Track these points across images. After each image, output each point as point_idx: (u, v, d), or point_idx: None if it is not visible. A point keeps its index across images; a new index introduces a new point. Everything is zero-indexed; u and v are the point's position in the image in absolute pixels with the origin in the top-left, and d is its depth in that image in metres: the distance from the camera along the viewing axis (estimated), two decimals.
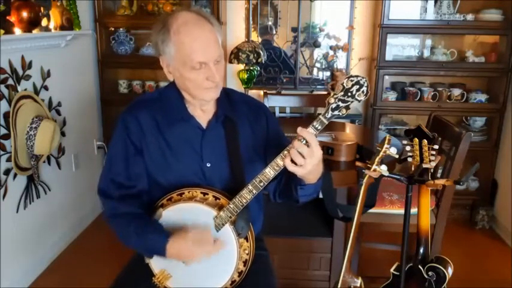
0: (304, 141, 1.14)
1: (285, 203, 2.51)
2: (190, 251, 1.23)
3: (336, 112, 1.15)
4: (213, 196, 1.31)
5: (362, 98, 1.14)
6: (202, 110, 1.36)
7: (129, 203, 1.33)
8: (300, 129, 1.15)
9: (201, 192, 1.31)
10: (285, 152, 1.18)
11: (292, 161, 1.15)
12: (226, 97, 1.40)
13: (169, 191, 1.33)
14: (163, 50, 1.27)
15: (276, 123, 1.48)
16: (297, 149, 1.14)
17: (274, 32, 3.47)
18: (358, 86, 1.14)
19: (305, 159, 1.14)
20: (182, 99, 1.35)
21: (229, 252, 1.29)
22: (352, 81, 1.14)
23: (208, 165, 1.36)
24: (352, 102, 1.15)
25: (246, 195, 1.24)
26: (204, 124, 1.37)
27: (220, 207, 1.28)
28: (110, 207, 1.36)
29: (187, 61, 1.23)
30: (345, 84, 1.14)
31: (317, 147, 1.14)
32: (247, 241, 1.31)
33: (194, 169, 1.35)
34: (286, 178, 1.33)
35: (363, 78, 1.14)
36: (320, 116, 1.16)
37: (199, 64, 1.23)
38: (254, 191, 1.23)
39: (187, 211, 1.28)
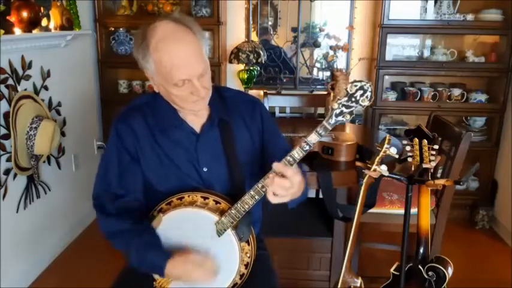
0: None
1: (284, 203, 2.51)
2: (189, 273, 1.22)
3: (340, 118, 1.15)
4: (214, 200, 1.29)
5: (366, 103, 1.13)
6: (194, 114, 1.33)
7: (126, 219, 1.31)
8: (275, 165, 1.14)
9: (202, 197, 1.29)
10: (288, 158, 1.17)
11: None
12: (220, 97, 1.37)
13: (167, 196, 1.31)
14: (144, 65, 1.23)
15: (270, 120, 1.45)
16: (279, 186, 1.14)
17: (273, 32, 3.47)
18: (362, 91, 1.13)
19: (286, 191, 1.15)
20: (172, 106, 1.32)
21: (231, 257, 1.29)
22: (355, 86, 1.13)
23: (205, 169, 1.34)
24: (355, 107, 1.14)
25: (248, 200, 1.22)
26: (197, 128, 1.34)
27: (221, 212, 1.27)
28: (106, 225, 1.34)
29: (169, 78, 1.19)
30: (348, 90, 1.14)
31: (294, 176, 1.14)
32: (248, 244, 1.31)
33: (191, 174, 1.33)
34: None
35: (366, 83, 1.13)
36: (324, 122, 1.15)
37: (182, 81, 1.19)
38: (256, 197, 1.22)
39: (188, 217, 1.27)
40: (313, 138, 1.16)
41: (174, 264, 1.23)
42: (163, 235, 1.29)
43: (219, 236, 1.27)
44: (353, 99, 1.13)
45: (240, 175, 1.34)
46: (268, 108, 2.71)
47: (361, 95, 1.13)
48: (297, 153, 1.17)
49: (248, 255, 1.31)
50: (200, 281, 1.23)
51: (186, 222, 1.28)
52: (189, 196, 1.30)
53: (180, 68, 1.18)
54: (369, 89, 1.13)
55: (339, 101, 1.14)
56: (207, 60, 1.24)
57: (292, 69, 3.48)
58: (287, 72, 3.50)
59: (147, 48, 1.19)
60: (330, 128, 1.16)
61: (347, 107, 1.14)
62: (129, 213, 1.32)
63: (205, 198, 1.30)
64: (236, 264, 1.29)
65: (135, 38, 1.25)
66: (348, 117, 1.15)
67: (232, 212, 1.24)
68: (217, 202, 1.29)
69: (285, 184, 1.13)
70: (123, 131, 1.32)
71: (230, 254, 1.29)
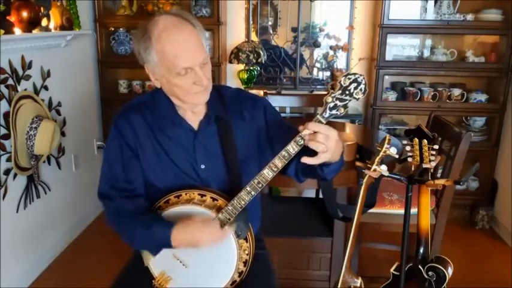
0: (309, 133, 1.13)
1: (284, 203, 2.51)
2: (197, 233, 1.21)
3: (334, 111, 1.14)
4: (211, 197, 1.30)
5: (360, 96, 1.12)
6: (192, 112, 1.34)
7: (130, 202, 1.33)
8: (308, 124, 1.13)
9: (199, 194, 1.30)
10: (283, 152, 1.16)
11: (309, 154, 1.13)
12: (218, 96, 1.38)
13: (166, 194, 1.32)
14: (146, 58, 1.24)
15: (275, 113, 1.45)
16: (313, 140, 1.12)
17: (273, 32, 3.47)
18: (356, 84, 1.12)
19: (323, 144, 1.11)
20: (171, 103, 1.33)
21: (229, 253, 1.29)
22: (349, 79, 1.12)
23: (203, 166, 1.35)
24: (350, 100, 1.13)
25: (245, 196, 1.23)
26: (195, 126, 1.35)
27: (218, 209, 1.27)
28: (112, 207, 1.35)
29: (172, 68, 1.21)
30: (342, 83, 1.12)
31: (329, 130, 1.12)
32: (246, 241, 1.31)
33: (188, 171, 1.34)
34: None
35: (360, 75, 1.12)
36: (318, 116, 1.14)
37: (185, 70, 1.21)
38: (253, 193, 1.22)
39: (185, 214, 1.27)
40: (307, 132, 1.14)
41: (179, 231, 1.22)
42: None
43: None
44: (347, 92, 1.12)
45: (237, 172, 1.34)
46: None
47: (355, 88, 1.12)
48: (292, 148, 1.16)
49: (246, 252, 1.31)
50: (207, 241, 1.22)
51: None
52: (186, 194, 1.30)
53: (182, 56, 1.20)
54: (363, 82, 1.11)
55: (332, 94, 1.13)
56: (207, 52, 1.26)
57: (292, 69, 3.48)
58: (287, 72, 3.50)
59: (149, 40, 1.21)
60: (324, 122, 1.14)
61: (341, 100, 1.13)
62: (132, 198, 1.34)
63: (202, 195, 1.30)
64: (234, 262, 1.30)
65: (136, 33, 1.26)
66: (342, 110, 1.13)
67: (229, 208, 1.24)
68: (214, 199, 1.30)
69: (318, 137, 1.11)
70: (123, 127, 1.33)
71: (228, 251, 1.29)
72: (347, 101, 1.13)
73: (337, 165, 1.27)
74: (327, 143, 1.11)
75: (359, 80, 1.12)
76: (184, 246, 1.25)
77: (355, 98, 1.13)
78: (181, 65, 1.20)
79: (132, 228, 1.30)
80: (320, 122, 1.14)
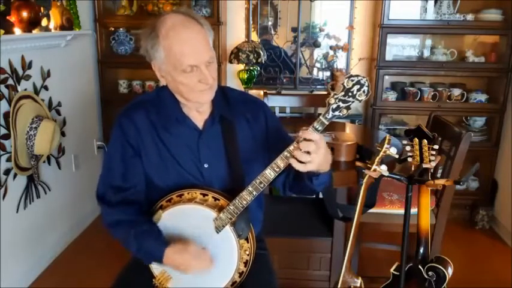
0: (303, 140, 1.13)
1: (285, 203, 2.51)
2: (188, 263, 1.24)
3: (337, 113, 1.15)
4: (213, 197, 1.30)
5: (363, 98, 1.13)
6: (198, 111, 1.34)
7: (128, 210, 1.32)
8: (301, 133, 1.14)
9: (201, 193, 1.30)
10: (285, 153, 1.17)
11: (299, 160, 1.14)
12: (223, 96, 1.38)
13: (167, 193, 1.32)
14: (153, 55, 1.25)
15: (275, 121, 1.47)
16: (303, 150, 1.13)
17: (273, 32, 3.47)
18: (358, 86, 1.13)
19: (311, 154, 1.13)
20: (177, 101, 1.33)
21: (230, 254, 1.29)
22: (352, 81, 1.13)
23: (206, 166, 1.35)
24: (352, 102, 1.14)
25: (246, 196, 1.23)
26: (200, 125, 1.35)
27: (220, 208, 1.27)
28: (109, 214, 1.35)
29: (178, 65, 1.22)
30: (345, 84, 1.13)
31: (321, 140, 1.14)
32: (247, 242, 1.31)
33: (192, 170, 1.34)
34: (296, 171, 1.23)
35: (363, 77, 1.13)
36: (320, 117, 1.15)
37: (191, 67, 1.22)
38: (254, 193, 1.22)
39: (187, 213, 1.28)
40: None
41: (172, 253, 1.25)
42: (163, 232, 1.30)
43: (217, 233, 1.27)
44: (350, 94, 1.13)
45: (240, 172, 1.34)
46: None
47: (358, 90, 1.13)
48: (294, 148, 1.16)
49: (247, 252, 1.31)
50: (197, 271, 1.25)
51: (185, 219, 1.28)
52: (188, 193, 1.30)
53: (189, 54, 1.21)
54: (366, 84, 1.13)
55: (335, 96, 1.14)
56: (213, 52, 1.27)
57: (292, 69, 3.48)
58: (287, 72, 3.50)
59: (156, 37, 1.23)
60: (327, 123, 1.15)
61: (344, 101, 1.14)
62: (131, 205, 1.34)
63: (204, 195, 1.30)
64: (235, 262, 1.30)
65: (144, 30, 1.27)
66: (345, 111, 1.14)
67: (231, 208, 1.25)
68: (216, 199, 1.30)
69: (310, 147, 1.12)
70: (126, 125, 1.33)
71: (229, 251, 1.29)
72: (350, 103, 1.14)
73: (327, 177, 1.29)
74: (315, 154, 1.13)
75: (362, 82, 1.13)
76: (172, 267, 1.29)
77: (357, 99, 1.14)
78: (187, 63, 1.21)
79: (127, 239, 1.31)
80: (322, 123, 1.15)
